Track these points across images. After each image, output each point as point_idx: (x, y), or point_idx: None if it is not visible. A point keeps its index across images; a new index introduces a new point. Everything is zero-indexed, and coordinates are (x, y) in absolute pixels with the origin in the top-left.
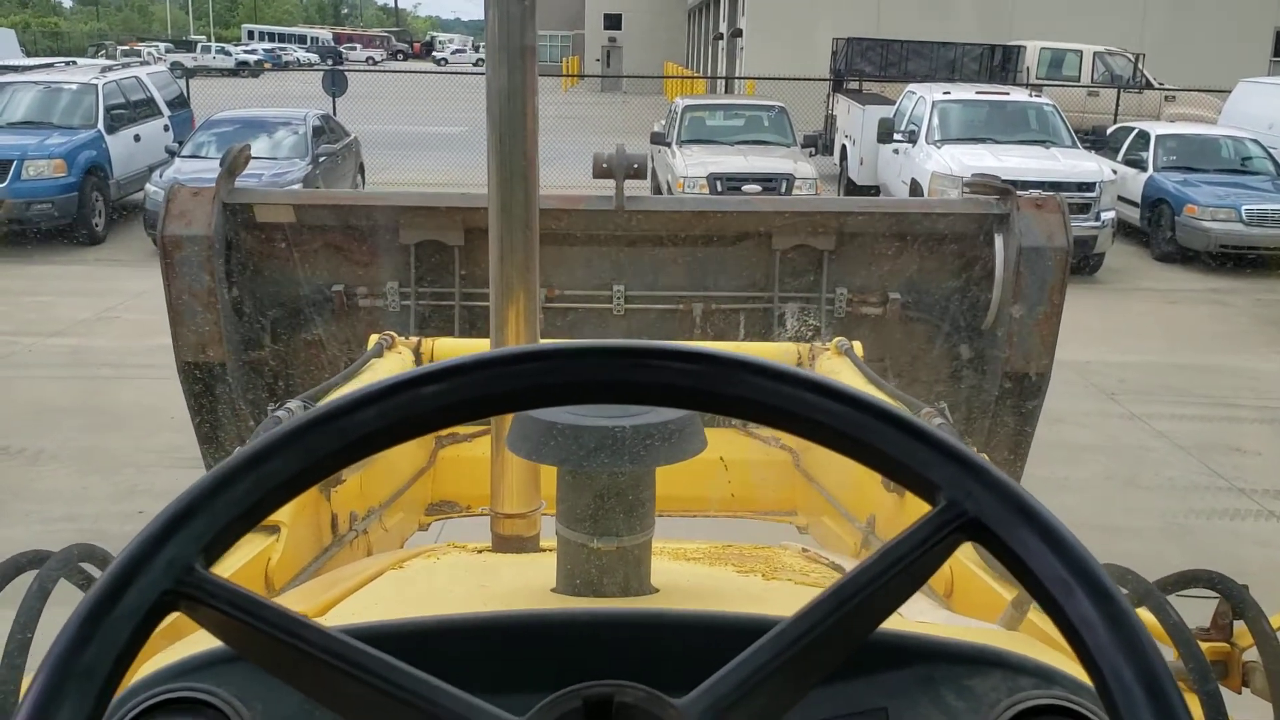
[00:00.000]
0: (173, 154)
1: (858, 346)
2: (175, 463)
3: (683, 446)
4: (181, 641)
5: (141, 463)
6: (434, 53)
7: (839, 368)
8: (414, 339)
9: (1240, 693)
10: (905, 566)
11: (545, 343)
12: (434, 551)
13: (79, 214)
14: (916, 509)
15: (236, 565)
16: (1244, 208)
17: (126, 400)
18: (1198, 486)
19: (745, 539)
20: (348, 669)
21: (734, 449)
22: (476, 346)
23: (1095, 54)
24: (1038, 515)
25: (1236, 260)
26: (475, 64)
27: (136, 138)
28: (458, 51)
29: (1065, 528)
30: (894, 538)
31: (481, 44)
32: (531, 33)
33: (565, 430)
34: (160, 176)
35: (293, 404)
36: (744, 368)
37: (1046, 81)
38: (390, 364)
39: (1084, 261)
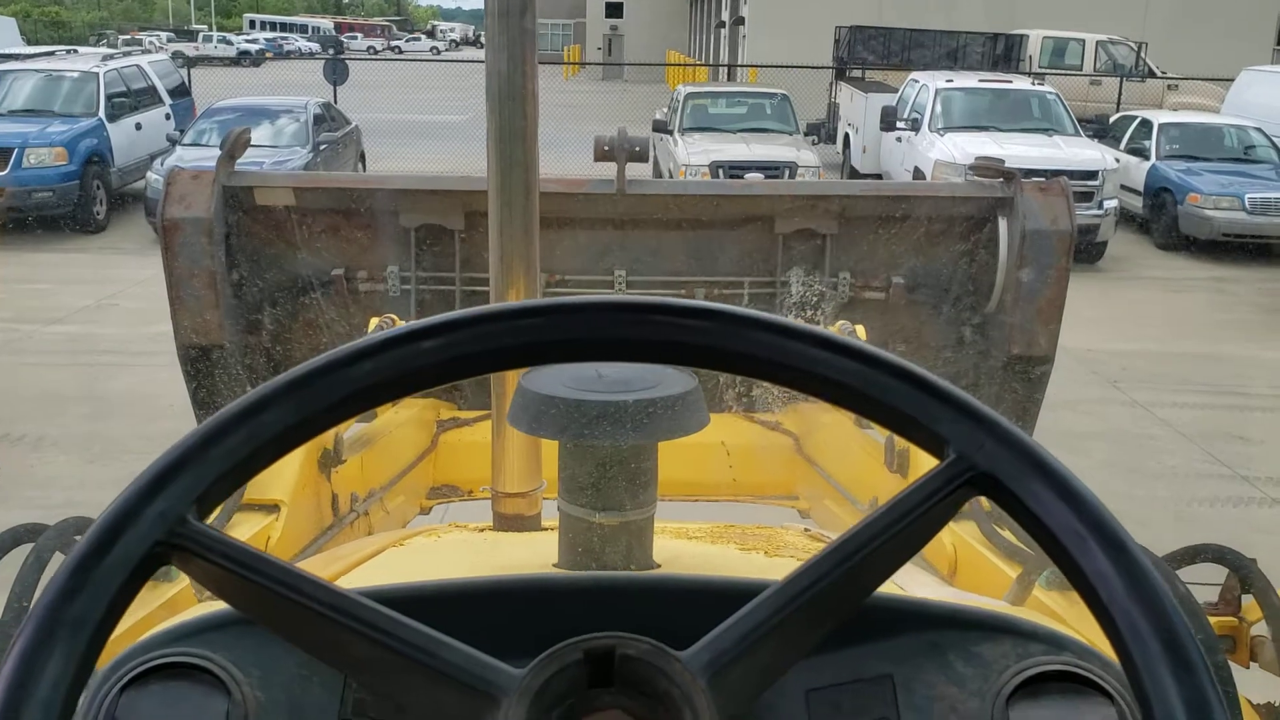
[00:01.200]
0: (174, 142)
1: (861, 330)
2: None
3: (685, 420)
4: (181, 614)
5: (142, 449)
6: (393, 42)
7: None
8: None
9: (1249, 667)
10: (912, 520)
11: (547, 299)
12: (436, 530)
13: (80, 202)
14: None
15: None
16: (1247, 196)
17: (127, 387)
18: (1201, 474)
19: (747, 522)
20: (346, 622)
21: (736, 433)
22: None
23: (1098, 43)
24: (1050, 468)
25: (1239, 249)
26: (431, 50)
27: (138, 126)
28: (412, 39)
29: (1079, 481)
30: (901, 491)
31: (479, 33)
32: (531, 16)
33: (566, 402)
34: (161, 164)
35: None
36: (750, 323)
37: (1049, 70)
38: None
39: (1086, 250)
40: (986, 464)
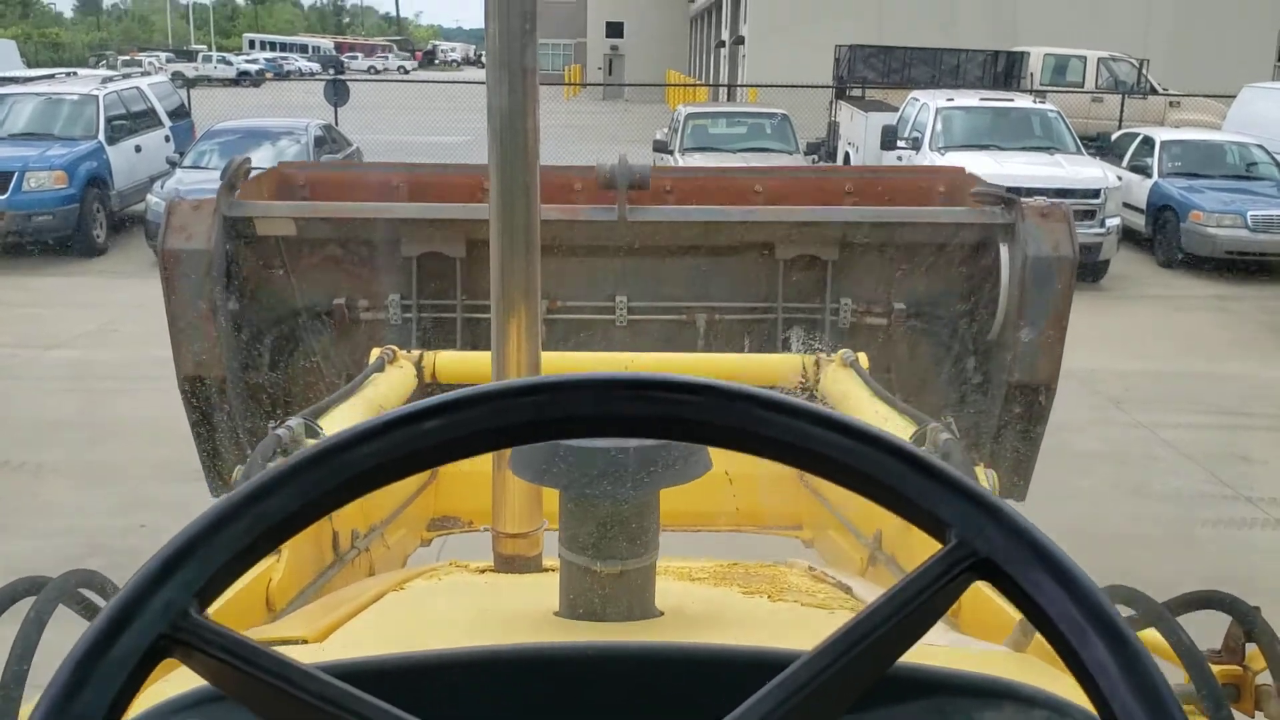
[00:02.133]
0: (174, 164)
1: (863, 358)
2: (176, 475)
3: (687, 470)
4: (173, 675)
5: (143, 475)
6: (371, 61)
7: (844, 380)
8: (416, 352)
9: (1253, 717)
10: (916, 607)
11: (546, 375)
12: (435, 571)
13: (80, 225)
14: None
15: (238, 586)
16: (1250, 213)
17: (128, 412)
18: (1205, 495)
19: (751, 553)
20: (345, 717)
21: (740, 463)
22: (478, 361)
23: (1099, 60)
24: (1051, 555)
25: (1242, 266)
26: (398, 69)
27: (137, 148)
28: (383, 53)
29: (1079, 569)
30: (904, 578)
31: (480, 52)
32: (532, 52)
33: (568, 455)
34: (161, 187)
35: (293, 422)
36: (749, 400)
37: (1050, 87)
38: (392, 378)
39: (1089, 268)
40: (987, 550)
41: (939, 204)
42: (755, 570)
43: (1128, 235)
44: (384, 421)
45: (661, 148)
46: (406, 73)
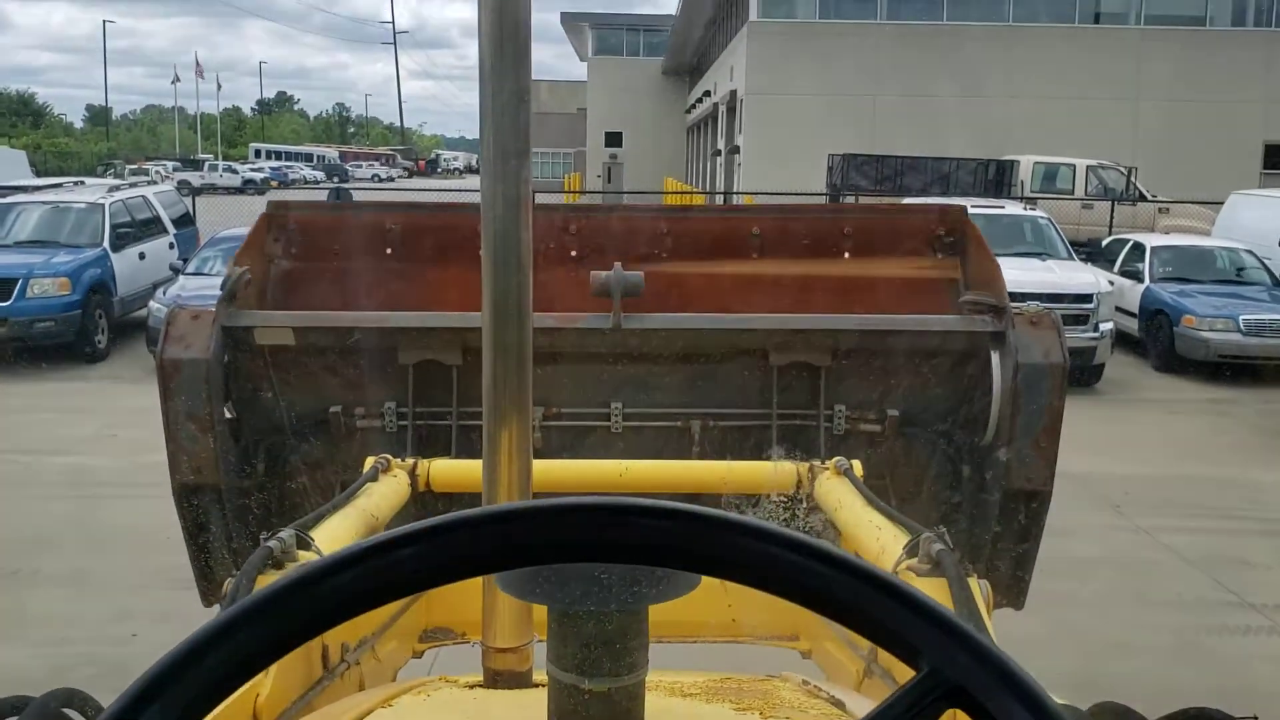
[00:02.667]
0: (177, 271)
1: (857, 466)
2: (171, 584)
3: (673, 587)
4: None
5: (137, 583)
6: (375, 169)
7: (838, 488)
8: (410, 461)
9: None
10: None
11: (521, 502)
12: (425, 688)
13: (82, 331)
14: None
15: (225, 703)
16: (1241, 318)
17: (124, 519)
18: (1206, 601)
19: (747, 662)
20: None
21: None
22: (472, 469)
23: (1088, 167)
24: (1022, 682)
25: (1235, 370)
26: (385, 178)
27: (142, 255)
28: (370, 161)
29: (1048, 696)
30: (876, 706)
31: (479, 161)
32: (527, 170)
33: (551, 573)
34: (164, 294)
35: (285, 534)
36: (726, 527)
37: (1040, 194)
38: (385, 488)
39: (1084, 372)
40: (960, 678)
41: (938, 246)
42: (747, 685)
43: (1121, 339)
44: (359, 550)
45: None
46: (393, 180)
